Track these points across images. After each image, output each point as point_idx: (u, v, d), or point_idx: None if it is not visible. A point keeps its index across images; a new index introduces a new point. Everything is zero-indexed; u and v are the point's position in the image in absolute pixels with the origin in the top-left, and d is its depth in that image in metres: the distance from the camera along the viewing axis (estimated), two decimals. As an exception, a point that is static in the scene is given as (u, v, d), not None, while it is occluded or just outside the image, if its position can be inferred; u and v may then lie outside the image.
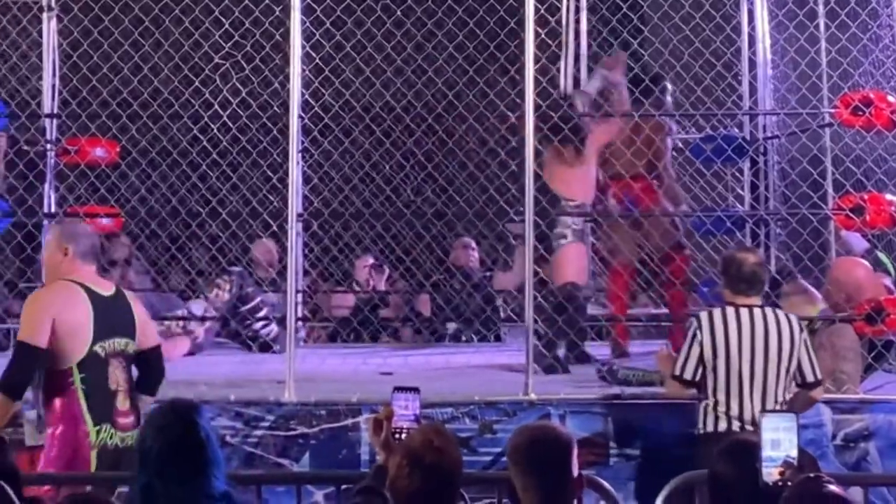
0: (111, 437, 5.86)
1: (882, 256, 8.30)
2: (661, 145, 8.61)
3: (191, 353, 8.91)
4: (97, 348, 5.75)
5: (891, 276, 8.16)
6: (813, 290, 7.80)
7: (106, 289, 5.88)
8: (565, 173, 8.44)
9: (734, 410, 6.29)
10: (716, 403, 6.32)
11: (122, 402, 5.86)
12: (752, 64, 9.23)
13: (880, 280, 7.84)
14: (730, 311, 6.38)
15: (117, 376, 5.81)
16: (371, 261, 10.38)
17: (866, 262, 7.83)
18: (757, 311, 6.38)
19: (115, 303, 5.86)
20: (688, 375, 6.37)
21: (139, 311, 6.01)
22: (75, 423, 5.82)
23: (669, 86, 8.90)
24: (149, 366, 6.05)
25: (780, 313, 6.46)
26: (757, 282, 6.44)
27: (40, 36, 9.32)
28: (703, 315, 6.44)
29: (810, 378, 6.40)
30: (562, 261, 8.34)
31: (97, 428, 5.81)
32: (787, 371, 6.34)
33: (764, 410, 6.01)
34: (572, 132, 8.31)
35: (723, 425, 6.28)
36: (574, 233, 8.40)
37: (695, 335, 6.37)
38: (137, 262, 10.16)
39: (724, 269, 6.50)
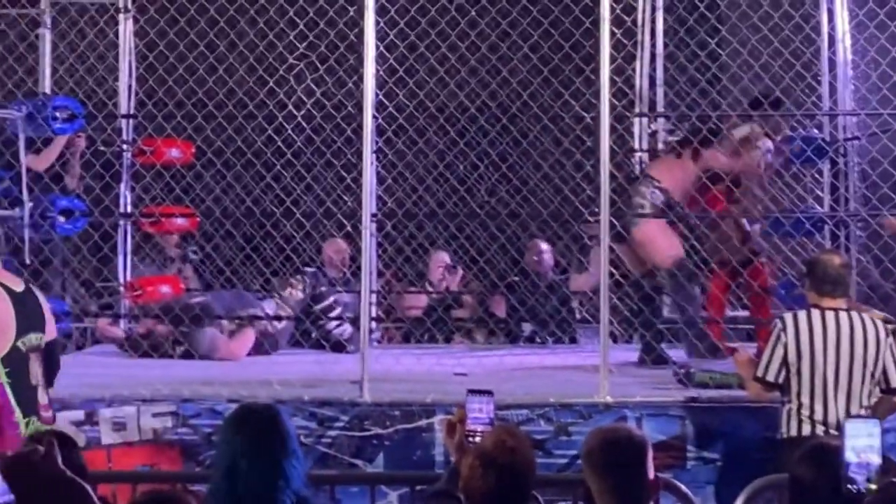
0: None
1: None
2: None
3: (266, 353, 8.93)
4: (19, 344, 5.70)
5: None
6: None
7: (17, 285, 5.81)
8: (671, 162, 8.51)
9: (818, 414, 6.20)
10: (799, 407, 6.23)
11: (42, 396, 5.81)
12: (832, 64, 9.10)
13: None
14: (815, 313, 6.29)
15: (35, 371, 5.77)
16: (446, 259, 10.36)
17: None
18: (842, 314, 6.29)
19: (27, 298, 5.80)
20: (771, 377, 6.29)
21: (46, 306, 5.98)
22: (8, 415, 5.80)
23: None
24: (51, 359, 6.01)
25: (865, 317, 6.36)
26: (842, 283, 6.36)
27: (117, 37, 9.39)
28: (788, 316, 6.35)
29: (895, 383, 6.31)
30: (650, 238, 8.30)
31: (26, 420, 5.79)
32: (873, 375, 6.24)
33: (848, 415, 5.92)
34: (706, 138, 8.35)
35: (807, 429, 6.19)
36: (652, 207, 8.34)
37: (779, 336, 6.28)
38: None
39: (810, 270, 6.41)
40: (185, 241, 10.30)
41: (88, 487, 2.86)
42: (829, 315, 6.27)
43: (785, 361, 6.25)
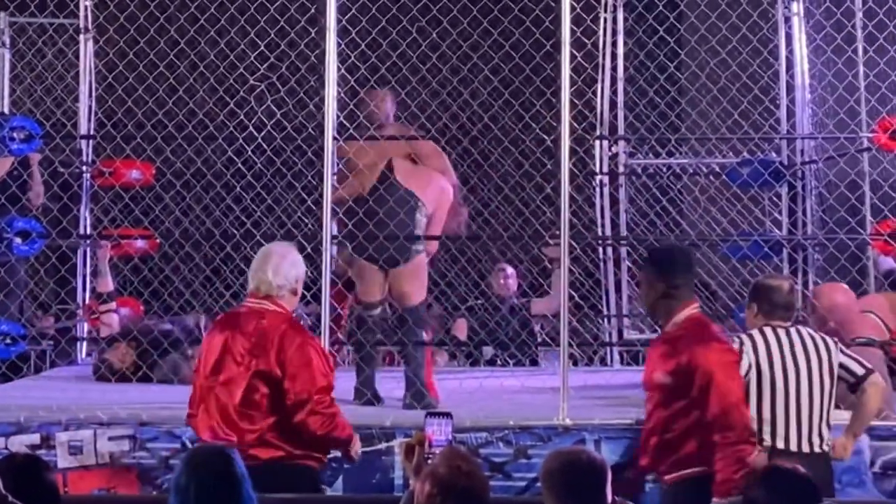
0: None
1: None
2: None
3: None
4: None
5: None
6: None
7: None
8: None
9: (780, 433, 6.19)
10: (760, 424, 6.20)
11: None
12: (790, 88, 9.16)
13: (871, 301, 7.80)
14: (768, 330, 6.29)
15: None
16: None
17: (845, 287, 7.76)
18: (792, 329, 6.33)
19: None
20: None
21: None
22: None
23: None
24: None
25: (812, 331, 6.40)
26: (792, 309, 6.43)
27: (76, 57, 9.36)
28: (744, 336, 6.31)
29: (860, 371, 6.31)
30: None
31: None
32: (830, 395, 6.25)
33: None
34: None
35: (766, 445, 6.17)
36: None
37: (740, 350, 6.20)
38: None
39: (760, 296, 6.40)
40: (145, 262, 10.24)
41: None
42: (781, 332, 6.29)
43: (747, 374, 6.23)
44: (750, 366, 6.21)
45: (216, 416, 5.94)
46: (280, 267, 6.06)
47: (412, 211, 7.90)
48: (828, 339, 6.36)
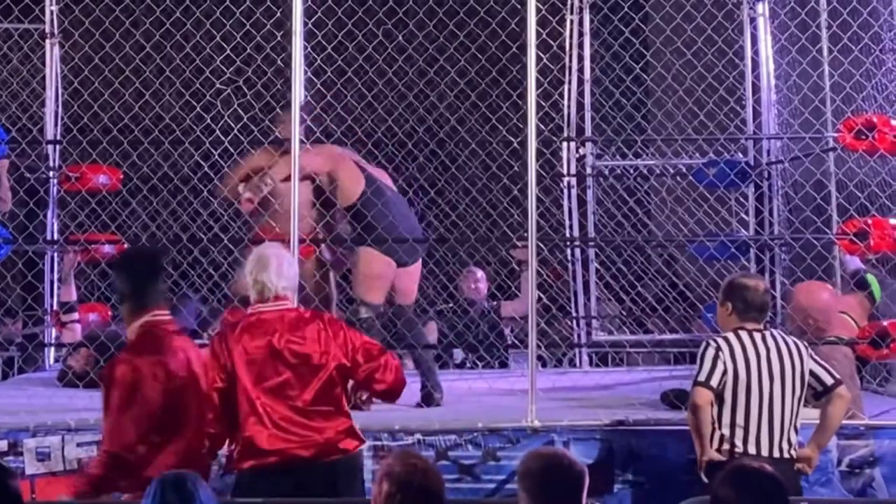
0: None
1: (869, 278, 8.24)
2: None
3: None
4: None
5: (875, 298, 8.09)
6: None
7: None
8: None
9: (751, 438, 6.19)
10: (721, 437, 6.22)
11: None
12: (756, 88, 9.21)
13: (847, 301, 7.84)
14: (743, 334, 6.29)
15: None
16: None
17: (829, 286, 7.80)
18: (766, 333, 6.33)
19: None
20: (714, 383, 6.19)
21: None
22: None
23: None
24: None
25: (783, 335, 6.42)
26: (766, 310, 6.42)
27: (42, 62, 9.32)
28: (720, 339, 6.31)
29: (829, 381, 6.31)
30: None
31: None
32: (800, 400, 6.28)
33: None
34: None
35: (737, 451, 6.18)
36: None
37: (717, 355, 6.22)
38: None
39: (733, 296, 6.39)
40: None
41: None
42: (757, 336, 6.30)
43: (724, 376, 6.22)
44: (726, 371, 6.21)
45: (277, 422, 5.85)
46: (281, 269, 6.06)
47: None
48: (800, 344, 6.36)
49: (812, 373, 6.30)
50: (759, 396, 6.21)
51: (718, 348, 6.25)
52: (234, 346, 5.92)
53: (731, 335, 6.32)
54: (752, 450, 6.17)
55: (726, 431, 6.20)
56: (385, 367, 6.03)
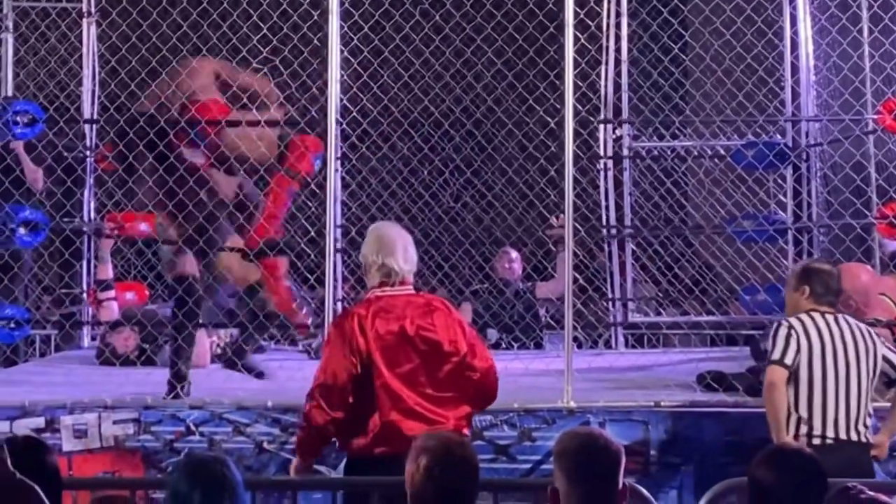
0: None
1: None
2: None
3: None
4: None
5: None
6: None
7: None
8: None
9: (817, 429, 6.06)
10: (799, 420, 6.10)
11: None
12: (795, 69, 9.14)
13: (886, 283, 7.77)
14: (817, 315, 6.21)
15: None
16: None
17: (869, 267, 7.74)
18: (839, 316, 6.24)
19: None
20: (788, 361, 6.09)
21: None
22: None
23: None
24: None
25: (853, 319, 6.34)
26: (840, 295, 6.36)
27: (79, 41, 9.34)
28: (793, 320, 6.20)
29: None
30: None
31: None
32: (875, 374, 6.19)
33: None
34: None
35: (802, 440, 6.02)
36: None
37: (790, 334, 6.12)
38: None
39: (811, 279, 6.27)
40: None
41: (39, 490, 2.83)
42: (829, 318, 6.21)
43: (798, 354, 6.12)
44: (800, 349, 6.10)
45: (412, 408, 5.73)
46: (407, 250, 5.93)
47: None
48: (871, 329, 6.28)
49: (885, 357, 6.23)
50: (835, 376, 6.11)
51: (791, 327, 6.15)
52: (369, 329, 5.75)
53: (803, 316, 6.21)
54: (830, 432, 6.04)
55: (804, 413, 6.07)
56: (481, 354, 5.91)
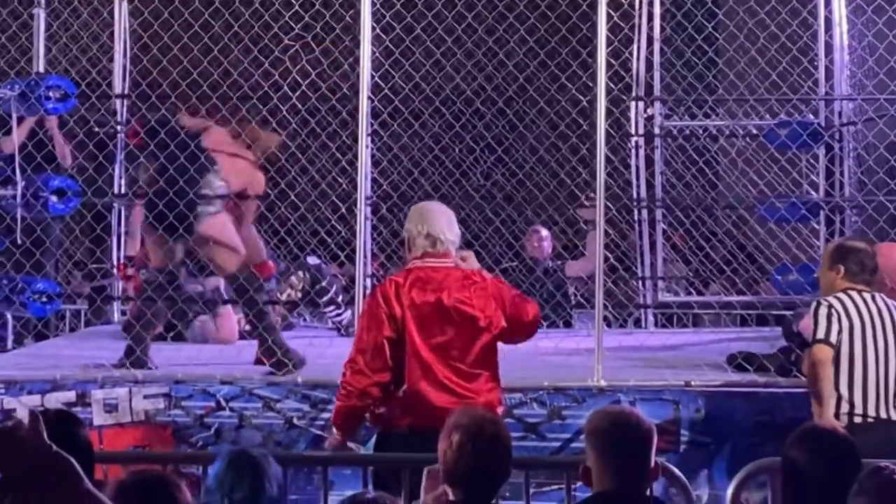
0: None
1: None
2: None
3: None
4: None
5: None
6: None
7: None
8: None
9: (871, 398, 6.02)
10: (850, 389, 6.04)
11: None
12: (829, 48, 9.08)
13: None
14: (854, 294, 6.15)
15: None
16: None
17: None
18: (876, 295, 6.19)
19: None
20: (833, 339, 6.04)
21: None
22: None
23: None
24: None
25: (888, 298, 6.28)
26: (876, 273, 6.28)
27: (111, 17, 9.35)
28: (832, 299, 6.14)
29: None
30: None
31: None
32: None
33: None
34: None
35: (844, 420, 5.98)
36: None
37: (831, 312, 6.07)
38: None
39: (846, 258, 6.22)
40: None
41: (75, 462, 2.83)
42: (867, 296, 6.16)
43: (839, 334, 6.08)
44: (842, 328, 6.05)
45: (442, 381, 5.74)
46: (452, 223, 5.96)
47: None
48: None
49: None
50: (875, 354, 6.06)
51: (831, 306, 6.10)
52: (404, 297, 5.76)
53: (841, 294, 6.16)
54: (871, 411, 6.00)
55: (844, 391, 6.03)
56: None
